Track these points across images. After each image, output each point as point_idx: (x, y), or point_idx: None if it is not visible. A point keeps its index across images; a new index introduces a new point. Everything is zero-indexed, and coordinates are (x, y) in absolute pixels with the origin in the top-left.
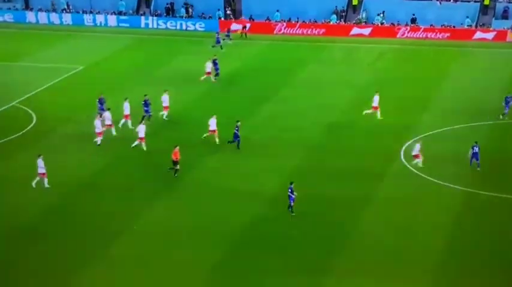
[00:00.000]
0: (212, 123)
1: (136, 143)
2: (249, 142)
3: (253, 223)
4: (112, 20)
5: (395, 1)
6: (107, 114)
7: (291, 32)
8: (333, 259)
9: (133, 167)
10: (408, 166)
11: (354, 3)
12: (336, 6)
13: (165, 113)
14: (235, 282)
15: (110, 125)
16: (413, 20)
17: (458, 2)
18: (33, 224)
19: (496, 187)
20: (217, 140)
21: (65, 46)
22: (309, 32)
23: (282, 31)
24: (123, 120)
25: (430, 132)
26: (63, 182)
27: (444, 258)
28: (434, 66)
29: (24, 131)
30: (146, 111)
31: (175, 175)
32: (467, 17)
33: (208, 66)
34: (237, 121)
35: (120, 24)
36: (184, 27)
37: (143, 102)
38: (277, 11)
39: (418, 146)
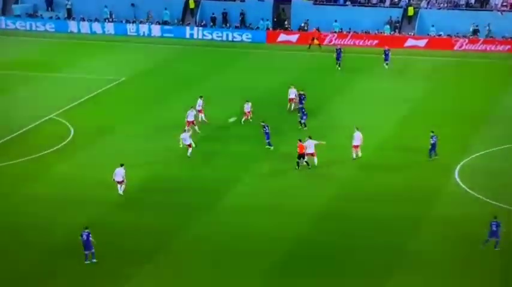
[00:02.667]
0: (310, 145)
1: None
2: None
3: (298, 242)
4: (156, 30)
5: (453, 11)
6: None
7: (342, 42)
8: (387, 280)
9: (171, 183)
10: (462, 184)
11: (409, 14)
12: (391, 17)
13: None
14: None
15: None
16: (474, 31)
17: None
18: (69, 241)
19: None
20: (315, 160)
21: (106, 57)
22: (361, 43)
23: (332, 42)
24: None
25: (489, 150)
26: (101, 196)
27: (502, 278)
28: (495, 80)
29: (62, 144)
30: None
31: (309, 166)
32: None
33: (292, 92)
34: (432, 131)
35: (164, 35)
36: (230, 37)
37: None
38: (336, 21)
39: None
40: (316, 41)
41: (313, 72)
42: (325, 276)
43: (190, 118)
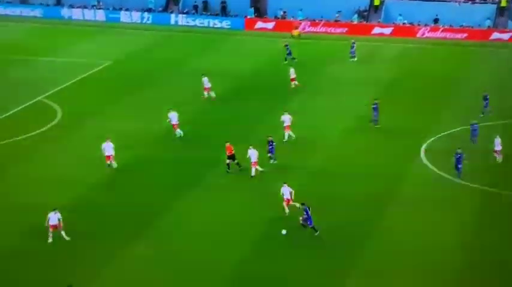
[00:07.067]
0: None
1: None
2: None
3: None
4: (142, 17)
5: (416, 2)
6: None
7: (314, 30)
8: (354, 259)
9: (152, 164)
10: (429, 165)
11: (375, 4)
12: (359, 6)
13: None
14: None
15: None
16: (435, 21)
17: (476, 4)
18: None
19: None
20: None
21: (94, 42)
22: (331, 31)
23: (305, 29)
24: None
25: (450, 131)
26: (86, 177)
27: (465, 258)
28: (453, 65)
29: (49, 126)
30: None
31: (240, 167)
32: (489, 18)
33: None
34: (458, 149)
35: (149, 21)
36: (212, 24)
37: (372, 107)
38: (301, 10)
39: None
40: (296, 31)
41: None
42: (300, 247)
43: (175, 121)
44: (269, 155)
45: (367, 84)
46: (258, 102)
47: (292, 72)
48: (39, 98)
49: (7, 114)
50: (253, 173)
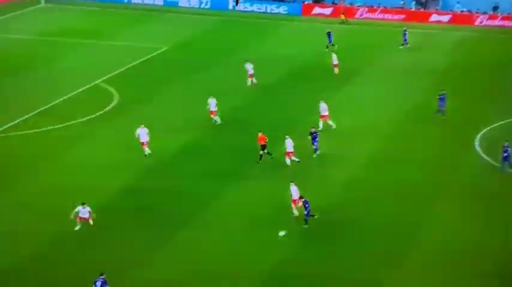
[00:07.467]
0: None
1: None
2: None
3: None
4: (200, 2)
5: None
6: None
7: (372, 16)
8: (406, 248)
9: (205, 150)
10: (483, 155)
11: None
12: None
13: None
14: None
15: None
16: (494, 8)
17: None
18: (108, 205)
19: None
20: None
21: (152, 26)
22: (389, 18)
23: (363, 16)
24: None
25: (506, 121)
26: (142, 161)
27: None
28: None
29: (106, 110)
30: (441, 105)
31: (260, 160)
32: None
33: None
34: (506, 141)
35: (207, 6)
36: (269, 10)
37: (439, 97)
38: None
39: None
40: (343, 16)
41: (342, 44)
42: (357, 235)
43: (213, 108)
44: (313, 147)
45: (424, 72)
46: (312, 89)
47: (334, 58)
48: (97, 82)
49: (64, 97)
50: (288, 162)
